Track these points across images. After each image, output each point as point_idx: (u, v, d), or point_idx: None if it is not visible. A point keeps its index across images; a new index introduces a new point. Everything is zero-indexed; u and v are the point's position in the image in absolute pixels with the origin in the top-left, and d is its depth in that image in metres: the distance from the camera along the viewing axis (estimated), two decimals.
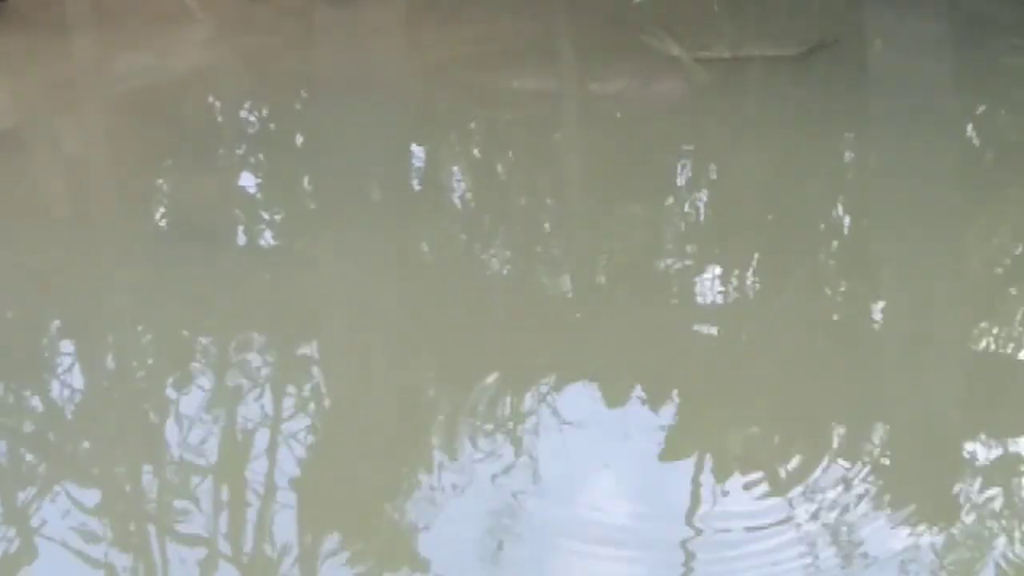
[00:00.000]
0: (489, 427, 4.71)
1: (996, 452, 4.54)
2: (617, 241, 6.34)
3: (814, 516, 4.22)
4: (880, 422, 4.75)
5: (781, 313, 5.53)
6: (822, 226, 6.42)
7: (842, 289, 5.77)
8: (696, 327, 5.42)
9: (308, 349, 5.35)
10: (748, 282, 5.76)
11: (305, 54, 8.92)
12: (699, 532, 4.17)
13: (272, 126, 8.12)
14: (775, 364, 5.09)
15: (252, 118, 8.24)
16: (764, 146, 7.24)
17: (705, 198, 6.82)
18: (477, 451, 4.57)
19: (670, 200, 6.76)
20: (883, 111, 7.53)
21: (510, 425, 4.72)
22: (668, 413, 4.77)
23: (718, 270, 5.79)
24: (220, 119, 8.23)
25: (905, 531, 4.17)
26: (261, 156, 7.64)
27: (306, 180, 7.18)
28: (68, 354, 5.48)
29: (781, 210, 6.44)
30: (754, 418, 4.76)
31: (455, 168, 7.39)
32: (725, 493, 4.34)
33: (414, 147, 7.60)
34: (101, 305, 5.83)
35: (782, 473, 4.43)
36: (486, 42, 8.80)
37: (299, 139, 7.97)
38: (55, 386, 5.22)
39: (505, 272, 6.06)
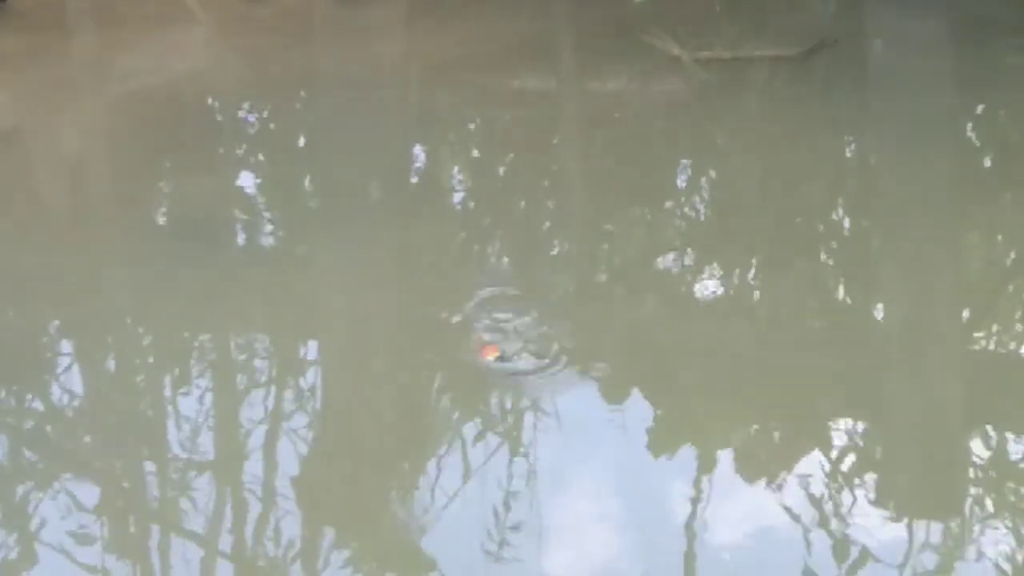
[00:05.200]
0: (488, 426, 4.71)
1: (996, 451, 4.54)
2: (617, 240, 6.34)
3: (812, 515, 4.22)
4: (879, 421, 4.75)
5: (781, 312, 5.53)
6: (821, 226, 6.42)
7: (842, 288, 5.78)
8: (696, 326, 5.42)
9: (308, 348, 5.35)
10: (748, 281, 5.76)
11: (305, 54, 8.92)
12: (697, 530, 4.17)
13: (272, 126, 8.12)
14: (775, 363, 5.09)
15: (252, 118, 8.24)
16: (764, 146, 7.24)
17: (705, 198, 6.82)
18: (476, 450, 4.57)
19: (670, 200, 6.76)
20: (883, 111, 7.53)
21: (509, 424, 4.72)
22: (668, 412, 4.77)
23: (718, 269, 5.79)
24: (220, 119, 8.24)
25: (905, 530, 4.17)
26: (261, 156, 7.64)
27: (306, 180, 7.18)
28: (68, 354, 5.48)
29: (781, 209, 6.44)
30: (753, 417, 4.76)
31: (455, 167, 7.40)
32: (724, 491, 4.34)
33: (414, 146, 7.61)
34: (101, 305, 5.83)
35: (780, 472, 4.44)
36: (486, 42, 8.80)
37: (299, 139, 7.98)
38: (55, 386, 5.22)
39: (504, 271, 6.06)
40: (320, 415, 4.91)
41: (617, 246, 6.28)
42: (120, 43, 9.07)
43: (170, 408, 4.96)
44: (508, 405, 4.82)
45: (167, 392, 5.10)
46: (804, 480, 4.38)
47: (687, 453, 4.54)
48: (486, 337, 4.99)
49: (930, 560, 4.07)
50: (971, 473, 4.48)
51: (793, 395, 4.91)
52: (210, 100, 8.35)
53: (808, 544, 4.12)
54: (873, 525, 4.19)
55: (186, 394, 5.04)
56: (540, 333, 5.11)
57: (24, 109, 8.18)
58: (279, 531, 4.27)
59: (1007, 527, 4.18)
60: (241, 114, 8.26)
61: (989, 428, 4.60)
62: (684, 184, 6.93)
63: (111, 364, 5.45)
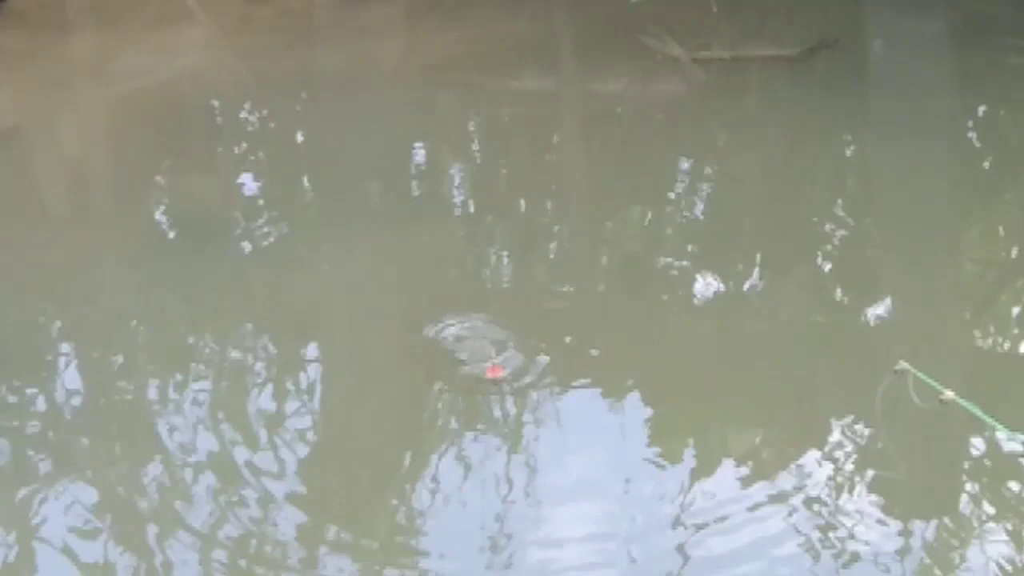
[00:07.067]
0: (488, 426, 4.71)
1: (995, 451, 4.54)
2: (616, 240, 6.34)
3: (811, 514, 4.22)
4: (879, 421, 4.75)
5: (780, 311, 5.53)
6: (821, 226, 6.41)
7: (841, 288, 5.78)
8: (695, 325, 5.42)
9: (307, 347, 5.35)
10: (747, 281, 5.76)
11: (305, 54, 8.93)
12: (696, 530, 4.17)
13: (272, 126, 8.12)
14: (775, 363, 5.09)
15: (252, 118, 8.24)
16: (764, 146, 7.25)
17: (704, 197, 6.82)
18: (475, 452, 4.57)
19: (669, 199, 6.76)
20: (883, 111, 7.53)
21: (509, 424, 4.72)
22: (667, 411, 4.77)
23: (717, 269, 5.79)
24: (220, 119, 8.24)
25: (904, 530, 4.17)
26: (261, 156, 7.65)
27: (306, 180, 7.19)
28: (68, 353, 5.48)
29: (780, 209, 6.44)
30: (753, 416, 4.76)
31: (455, 167, 7.40)
32: (724, 491, 4.34)
33: (414, 146, 7.61)
34: (101, 304, 5.83)
35: (780, 471, 4.43)
36: (486, 42, 8.81)
37: (299, 139, 7.98)
38: (55, 385, 5.22)
39: (504, 270, 6.06)
40: (319, 414, 4.92)
41: (617, 246, 6.28)
42: (120, 43, 9.08)
43: (169, 407, 4.96)
44: (507, 407, 4.82)
45: (167, 391, 5.09)
46: (804, 480, 4.38)
47: (686, 453, 4.54)
48: (494, 354, 4.99)
49: (930, 560, 4.06)
50: (971, 473, 4.48)
51: (793, 395, 4.91)
52: (210, 100, 8.36)
53: (808, 544, 4.11)
54: (873, 525, 4.18)
55: (185, 393, 5.04)
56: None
57: (24, 109, 8.18)
58: (279, 530, 4.27)
59: (1007, 528, 4.18)
60: (241, 114, 8.26)
61: (988, 427, 4.59)
62: (684, 184, 6.93)
63: (111, 363, 5.45)
